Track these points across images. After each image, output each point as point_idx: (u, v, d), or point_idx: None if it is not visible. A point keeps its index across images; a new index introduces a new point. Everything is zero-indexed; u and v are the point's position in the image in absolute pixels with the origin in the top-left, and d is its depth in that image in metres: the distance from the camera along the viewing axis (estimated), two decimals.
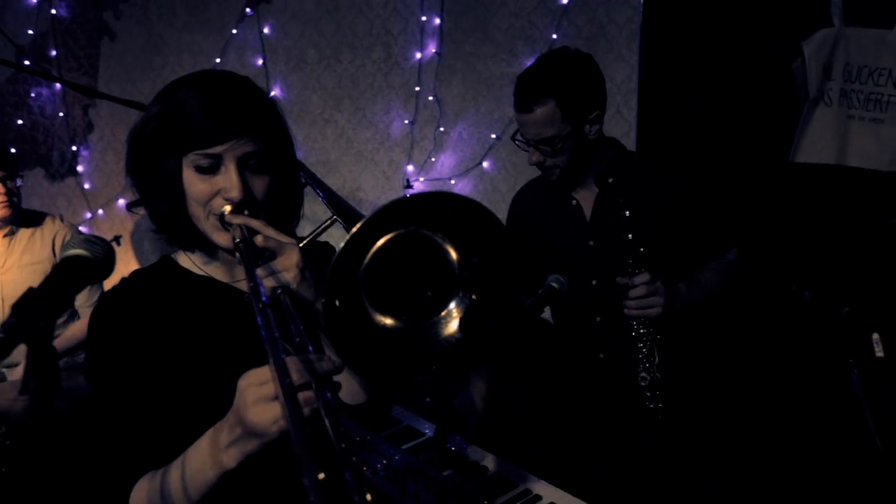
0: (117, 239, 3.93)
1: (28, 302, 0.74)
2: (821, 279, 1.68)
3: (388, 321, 0.92)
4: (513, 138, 1.93)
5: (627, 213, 1.76)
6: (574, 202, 1.98)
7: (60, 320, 2.71)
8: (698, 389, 1.93)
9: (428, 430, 2.08)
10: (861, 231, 2.29)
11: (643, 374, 1.81)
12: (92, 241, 0.91)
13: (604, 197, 1.92)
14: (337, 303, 0.87)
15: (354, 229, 0.82)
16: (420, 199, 0.88)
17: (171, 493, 0.96)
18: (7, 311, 2.58)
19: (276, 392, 0.81)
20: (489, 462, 1.89)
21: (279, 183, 1.14)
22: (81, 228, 3.80)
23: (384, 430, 2.08)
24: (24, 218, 2.71)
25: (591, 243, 1.94)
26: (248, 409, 0.84)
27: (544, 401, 2.45)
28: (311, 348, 0.88)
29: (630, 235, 1.76)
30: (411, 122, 3.29)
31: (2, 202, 2.55)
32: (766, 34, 2.51)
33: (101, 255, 0.90)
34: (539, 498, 1.72)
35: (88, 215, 3.90)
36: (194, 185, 1.09)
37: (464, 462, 1.89)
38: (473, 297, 0.92)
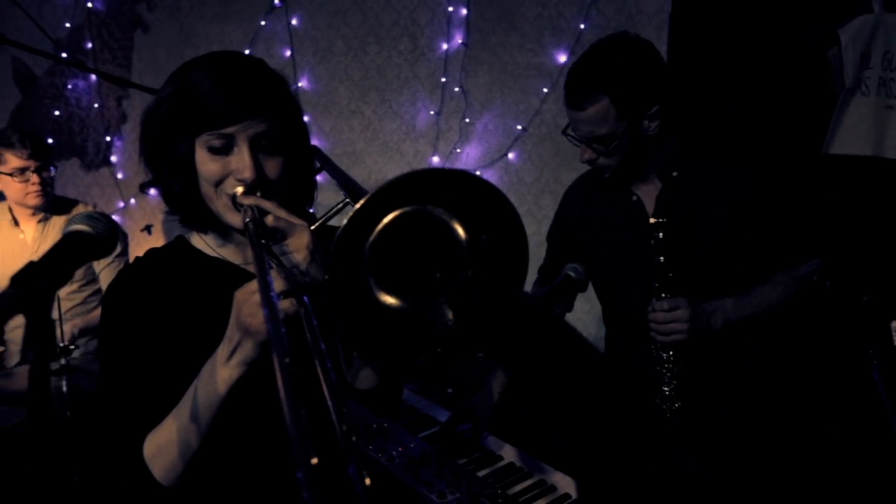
0: (149, 228, 4.03)
1: (27, 274, 0.75)
2: (842, 270, 1.61)
3: (394, 301, 0.91)
4: (564, 132, 1.79)
5: (661, 234, 1.65)
6: (635, 197, 1.82)
7: (91, 305, 2.78)
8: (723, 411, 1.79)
9: (445, 419, 2.08)
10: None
11: (659, 399, 1.70)
12: (95, 217, 0.92)
13: (668, 192, 1.77)
14: (341, 278, 0.86)
15: (359, 204, 0.81)
16: (426, 174, 0.87)
17: (187, 424, 1.02)
18: None
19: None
20: (505, 452, 1.88)
21: (292, 164, 1.15)
22: (114, 217, 3.90)
23: (402, 419, 2.09)
24: (57, 205, 2.79)
25: (653, 242, 1.75)
26: (242, 314, 0.94)
27: (563, 396, 2.43)
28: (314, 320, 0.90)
29: (661, 258, 1.66)
30: (437, 114, 3.29)
31: (35, 191, 2.63)
32: (801, 21, 2.44)
33: (104, 232, 0.91)
34: (554, 489, 1.71)
35: (121, 204, 3.99)
36: (207, 165, 1.10)
37: (480, 451, 1.89)
38: (470, 273, 0.91)
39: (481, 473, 1.79)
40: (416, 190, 0.88)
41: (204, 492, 1.15)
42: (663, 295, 1.67)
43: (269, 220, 1.04)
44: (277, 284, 0.91)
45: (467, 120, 3.24)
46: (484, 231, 0.90)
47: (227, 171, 1.09)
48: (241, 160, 1.08)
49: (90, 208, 2.89)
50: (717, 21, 2.56)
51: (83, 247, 0.87)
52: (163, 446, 1.05)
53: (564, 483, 1.73)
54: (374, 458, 1.85)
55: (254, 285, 0.94)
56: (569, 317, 2.16)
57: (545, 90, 3.09)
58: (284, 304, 0.91)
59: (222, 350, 1.00)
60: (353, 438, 0.78)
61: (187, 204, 1.15)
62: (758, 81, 2.53)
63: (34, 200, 2.64)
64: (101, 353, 1.14)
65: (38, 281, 0.74)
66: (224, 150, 1.09)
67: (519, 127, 3.16)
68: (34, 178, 2.60)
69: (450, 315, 0.92)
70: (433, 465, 1.79)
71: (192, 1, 3.62)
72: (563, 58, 3.04)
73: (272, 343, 0.78)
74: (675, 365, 1.69)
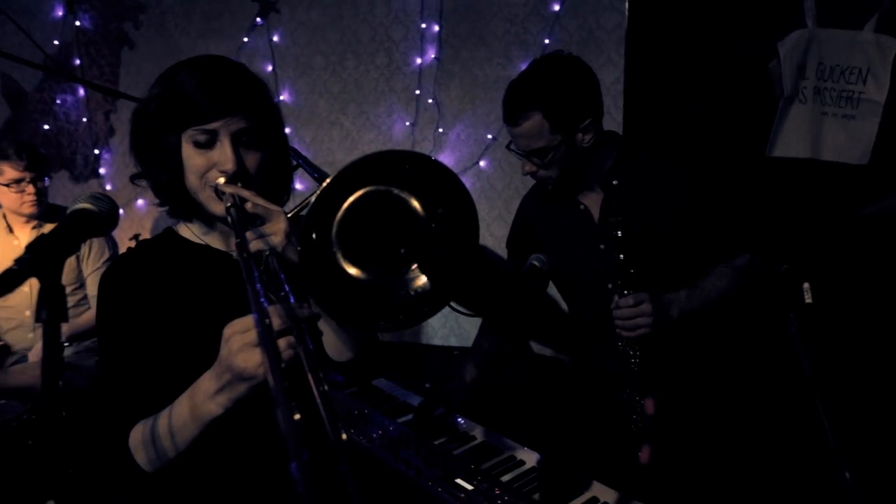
0: (136, 237, 4.05)
1: (40, 244, 0.82)
2: (770, 248, 1.69)
3: (359, 273, 0.97)
4: (508, 147, 1.84)
5: (619, 233, 1.67)
6: (581, 207, 1.89)
7: (81, 309, 2.80)
8: (690, 406, 1.83)
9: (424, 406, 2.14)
10: (832, 221, 2.33)
11: (628, 392, 1.71)
12: (99, 197, 0.98)
13: (610, 200, 1.83)
14: (313, 238, 0.91)
15: (325, 182, 0.89)
16: (384, 155, 0.93)
17: (160, 439, 1.02)
18: (35, 295, 2.69)
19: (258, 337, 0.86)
20: (477, 432, 1.94)
21: (270, 158, 1.21)
22: None
23: (381, 405, 2.15)
24: (50, 213, 2.81)
25: (602, 247, 1.84)
26: (234, 356, 0.89)
27: (536, 381, 2.49)
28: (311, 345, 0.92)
29: (621, 256, 1.67)
30: (412, 124, 3.37)
31: (31, 201, 2.66)
32: (745, 36, 2.57)
33: (106, 210, 0.97)
34: (522, 462, 1.78)
35: None
36: (192, 158, 1.16)
37: (454, 432, 1.95)
38: (431, 242, 0.97)
39: (456, 452, 1.86)
40: (376, 171, 0.95)
41: (187, 482, 1.17)
42: (625, 292, 1.69)
43: (249, 206, 1.09)
44: (274, 321, 0.86)
45: (440, 130, 3.32)
46: (440, 205, 0.97)
47: (211, 164, 1.15)
48: (223, 153, 1.14)
49: None
50: (668, 36, 2.68)
51: (88, 222, 0.92)
52: (146, 441, 1.06)
53: (531, 458, 1.80)
54: (355, 441, 1.90)
55: (244, 322, 0.91)
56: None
57: None
58: (280, 344, 0.86)
59: (209, 383, 0.96)
60: (344, 437, 0.77)
61: (174, 194, 1.21)
62: (707, 91, 2.65)
63: (29, 209, 2.67)
64: (98, 338, 1.19)
65: (49, 250, 0.81)
66: (208, 144, 1.15)
67: (489, 136, 3.25)
68: (30, 188, 2.63)
69: (414, 285, 0.99)
70: (411, 446, 1.85)
71: (177, 19, 3.66)
72: None
73: (274, 393, 0.71)
74: (642, 361, 1.70)
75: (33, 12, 3.77)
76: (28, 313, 2.70)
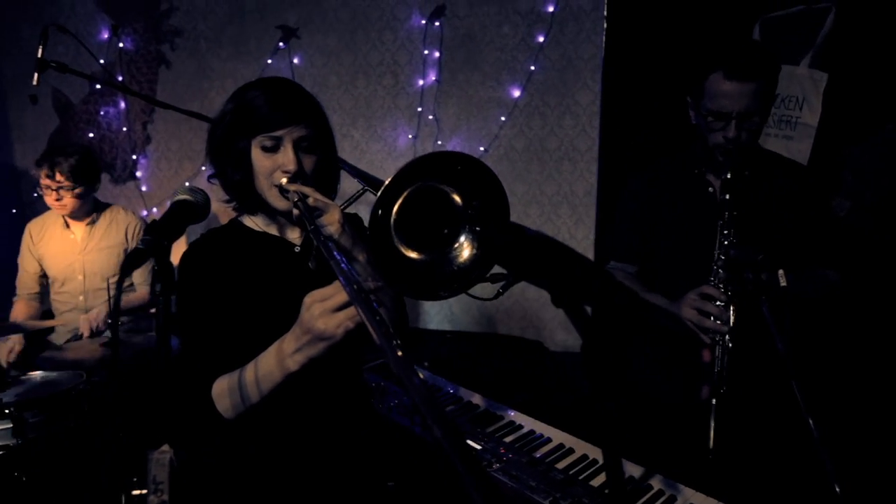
0: None
1: (155, 228, 0.83)
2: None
3: (415, 255, 0.99)
4: (704, 113, 1.61)
5: (729, 175, 1.52)
6: (711, 188, 1.74)
7: (128, 292, 2.77)
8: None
9: (428, 379, 2.17)
10: None
11: (719, 347, 1.52)
12: (195, 190, 1.00)
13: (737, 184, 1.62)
14: (377, 229, 0.92)
15: (386, 181, 0.90)
16: (432, 157, 0.93)
17: (246, 387, 1.04)
18: (88, 284, 2.65)
19: (336, 304, 0.89)
20: (478, 400, 1.97)
21: (323, 161, 1.24)
22: None
23: (393, 378, 2.16)
24: (102, 209, 2.78)
25: (726, 231, 1.61)
26: (315, 320, 0.91)
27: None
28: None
29: (728, 196, 1.51)
30: (414, 137, 3.39)
31: (59, 205, 2.58)
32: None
33: (202, 201, 0.99)
34: (521, 427, 1.81)
35: (145, 213, 3.96)
36: (260, 161, 1.18)
37: (459, 402, 1.98)
38: (477, 228, 0.99)
39: (462, 418, 1.88)
40: (424, 170, 0.95)
41: (260, 428, 1.21)
42: (726, 232, 1.53)
43: (310, 200, 1.13)
44: (348, 292, 0.86)
45: (439, 142, 3.35)
46: (475, 198, 0.98)
47: (276, 166, 1.18)
48: (286, 156, 1.17)
49: (130, 212, 2.89)
50: (637, 66, 2.74)
51: (188, 210, 0.94)
52: (225, 392, 1.09)
53: (527, 422, 1.82)
54: (375, 408, 1.92)
55: (323, 292, 0.93)
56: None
57: (503, 119, 3.23)
58: (351, 311, 0.88)
59: (289, 344, 0.98)
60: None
61: (244, 191, 1.24)
62: (669, 114, 2.70)
63: (60, 211, 2.61)
64: (179, 307, 1.19)
65: (161, 234, 0.82)
66: (273, 149, 1.18)
67: (481, 149, 3.29)
68: (53, 195, 2.54)
69: (458, 260, 1.00)
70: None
71: (209, 43, 3.64)
72: (517, 93, 3.18)
73: (378, 340, 0.72)
74: (736, 320, 1.49)
75: (83, 35, 3.72)
76: (81, 298, 2.67)
